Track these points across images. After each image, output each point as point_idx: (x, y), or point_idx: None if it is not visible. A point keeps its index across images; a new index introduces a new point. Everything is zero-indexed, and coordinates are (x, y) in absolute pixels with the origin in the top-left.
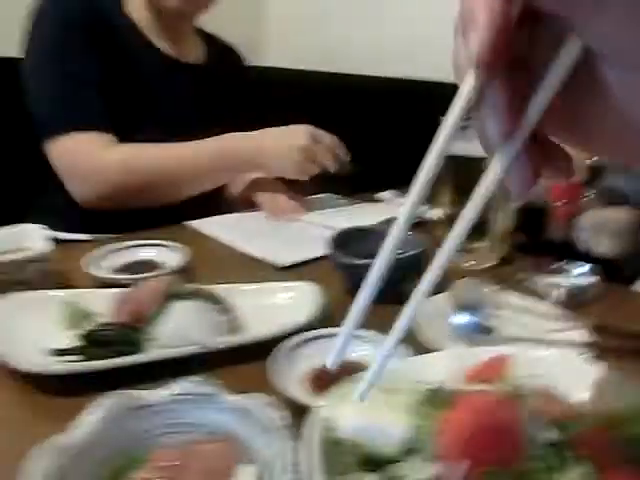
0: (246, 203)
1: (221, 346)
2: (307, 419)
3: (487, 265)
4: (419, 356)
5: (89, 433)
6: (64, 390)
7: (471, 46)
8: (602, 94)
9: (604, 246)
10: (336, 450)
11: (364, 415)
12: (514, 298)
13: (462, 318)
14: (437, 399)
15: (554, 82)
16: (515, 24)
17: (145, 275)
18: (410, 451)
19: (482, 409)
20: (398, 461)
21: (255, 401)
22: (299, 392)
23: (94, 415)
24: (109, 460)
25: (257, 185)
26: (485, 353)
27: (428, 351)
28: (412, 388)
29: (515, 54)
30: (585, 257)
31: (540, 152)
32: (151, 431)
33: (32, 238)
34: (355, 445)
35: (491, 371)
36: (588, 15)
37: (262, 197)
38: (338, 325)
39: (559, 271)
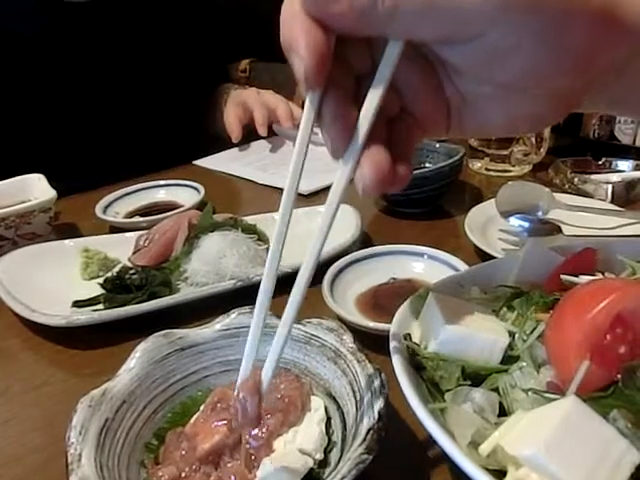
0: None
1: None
2: (392, 337)
3: (524, 171)
4: (488, 262)
5: (132, 380)
6: (94, 341)
7: (297, 74)
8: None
9: None
10: (433, 367)
11: (459, 327)
12: (566, 198)
13: (518, 222)
14: (534, 301)
15: (382, 82)
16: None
17: (163, 216)
18: (512, 359)
19: (615, 300)
20: (499, 371)
21: (316, 327)
22: (356, 315)
23: (135, 361)
24: (157, 406)
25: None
26: (559, 251)
27: (485, 259)
28: (496, 294)
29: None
30: (625, 152)
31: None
32: (199, 372)
33: (35, 188)
34: (453, 359)
35: (582, 265)
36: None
37: (255, 109)
38: (378, 244)
39: (604, 169)
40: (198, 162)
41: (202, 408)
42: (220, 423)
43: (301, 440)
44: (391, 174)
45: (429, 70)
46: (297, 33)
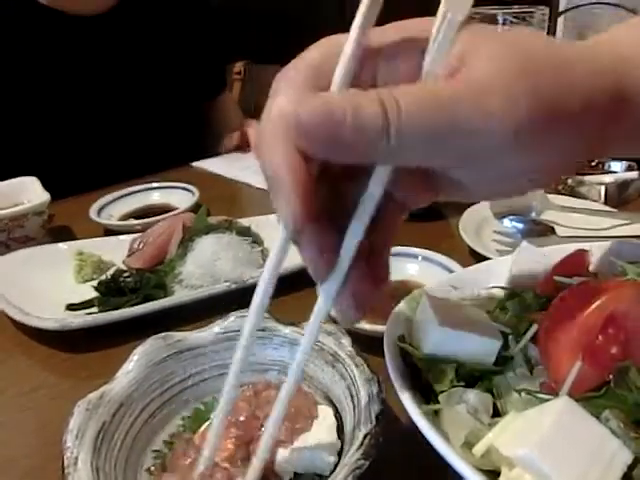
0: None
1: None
2: (386, 339)
3: None
4: (482, 263)
5: (130, 383)
6: (87, 345)
7: (282, 214)
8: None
9: None
10: (427, 368)
11: (453, 328)
12: (559, 199)
13: (512, 223)
14: (527, 302)
15: (365, 216)
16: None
17: (157, 218)
18: (506, 360)
19: (610, 300)
20: (494, 372)
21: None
22: None
23: (134, 364)
24: (155, 409)
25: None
26: (552, 252)
27: (479, 260)
28: (490, 295)
29: (322, 203)
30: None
31: (367, 275)
32: (197, 375)
33: (29, 191)
34: (448, 360)
35: (575, 266)
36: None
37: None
38: None
39: (597, 170)
40: (195, 164)
41: (212, 417)
42: (228, 439)
43: (313, 445)
44: (371, 300)
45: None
46: (282, 170)
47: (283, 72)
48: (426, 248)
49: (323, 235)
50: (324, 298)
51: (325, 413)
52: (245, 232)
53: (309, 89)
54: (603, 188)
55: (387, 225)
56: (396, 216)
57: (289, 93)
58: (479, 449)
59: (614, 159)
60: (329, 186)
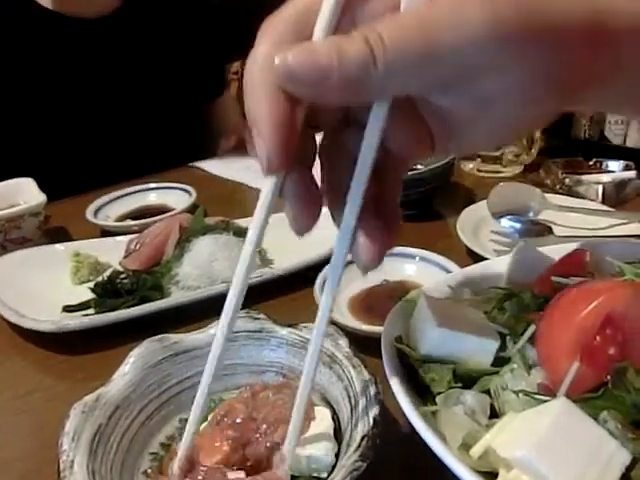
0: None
1: (256, 280)
2: (384, 340)
3: (516, 172)
4: (479, 263)
5: (127, 385)
6: (84, 347)
7: (259, 154)
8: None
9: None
10: (424, 370)
11: (450, 329)
12: (557, 198)
13: (509, 223)
14: (525, 302)
15: (365, 168)
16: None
17: (154, 219)
18: (503, 361)
19: (605, 300)
20: (492, 373)
21: (312, 332)
22: (349, 317)
23: (130, 366)
24: (152, 412)
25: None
26: (550, 252)
27: (477, 260)
28: (488, 295)
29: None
30: (615, 153)
31: (379, 222)
32: (194, 377)
33: (25, 192)
34: (446, 361)
35: (572, 266)
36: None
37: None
38: None
39: (594, 169)
40: (193, 165)
41: (209, 419)
42: (224, 442)
43: (310, 447)
44: (387, 245)
45: (409, 107)
46: (264, 115)
47: (267, 23)
48: (423, 248)
49: (304, 182)
50: (338, 248)
51: (322, 415)
52: (242, 233)
53: (293, 39)
54: (601, 187)
55: (391, 179)
56: (398, 171)
57: (274, 42)
58: (476, 450)
59: (610, 156)
60: (330, 142)
